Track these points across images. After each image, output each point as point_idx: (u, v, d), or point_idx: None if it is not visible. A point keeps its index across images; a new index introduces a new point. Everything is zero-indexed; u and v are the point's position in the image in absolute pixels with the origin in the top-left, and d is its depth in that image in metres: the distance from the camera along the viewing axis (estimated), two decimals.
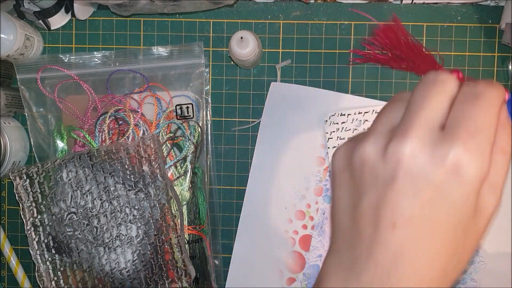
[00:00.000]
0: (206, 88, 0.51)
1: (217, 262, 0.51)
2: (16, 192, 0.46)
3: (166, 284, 0.45)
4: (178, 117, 0.49)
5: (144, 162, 0.45)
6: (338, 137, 0.48)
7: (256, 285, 0.50)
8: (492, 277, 0.48)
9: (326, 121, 0.48)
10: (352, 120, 0.48)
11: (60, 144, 0.49)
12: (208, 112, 0.51)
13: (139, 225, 0.45)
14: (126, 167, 0.45)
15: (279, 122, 0.50)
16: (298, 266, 0.50)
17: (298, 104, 0.49)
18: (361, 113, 0.48)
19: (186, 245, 0.48)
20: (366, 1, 0.50)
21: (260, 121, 0.50)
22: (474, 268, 0.49)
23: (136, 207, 0.45)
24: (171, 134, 0.49)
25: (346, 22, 0.51)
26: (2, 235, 0.53)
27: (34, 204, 0.45)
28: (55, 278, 0.45)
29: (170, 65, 0.50)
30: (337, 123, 0.48)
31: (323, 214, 0.49)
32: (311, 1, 0.51)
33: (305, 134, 0.49)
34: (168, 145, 0.49)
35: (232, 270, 0.50)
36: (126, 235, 0.45)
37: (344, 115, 0.48)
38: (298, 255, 0.50)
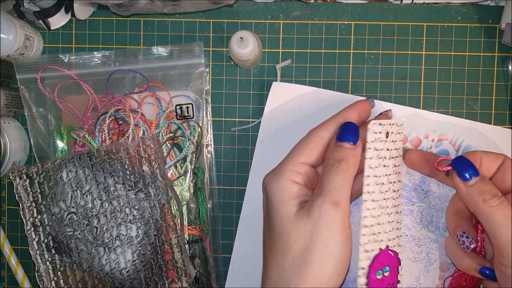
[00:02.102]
0: (206, 88, 0.51)
1: (217, 262, 0.51)
2: (16, 192, 0.46)
3: (166, 284, 0.45)
4: (178, 117, 0.49)
5: (144, 162, 0.45)
6: (374, 147, 0.42)
7: (256, 285, 0.50)
8: None
9: (369, 129, 0.41)
10: (384, 131, 0.41)
11: (60, 144, 0.49)
12: (208, 112, 0.51)
13: (139, 225, 0.45)
14: (126, 167, 0.45)
15: (280, 121, 0.50)
16: None
17: (299, 104, 0.49)
18: (392, 124, 0.42)
19: (186, 245, 0.48)
20: (366, 1, 0.50)
21: (260, 121, 0.50)
22: None
23: (136, 207, 0.45)
24: (171, 134, 0.49)
25: (346, 22, 0.51)
26: (2, 235, 0.53)
27: (34, 204, 0.45)
28: (55, 278, 0.45)
29: (170, 65, 0.50)
30: (376, 133, 0.41)
31: None
32: (311, 1, 0.51)
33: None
34: (168, 145, 0.49)
35: (232, 270, 0.50)
36: (126, 235, 0.45)
37: (381, 125, 0.41)
38: None
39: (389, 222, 0.44)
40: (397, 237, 0.45)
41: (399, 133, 0.44)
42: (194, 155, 0.49)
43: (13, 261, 0.52)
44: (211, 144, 0.51)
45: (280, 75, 0.51)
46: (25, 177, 0.45)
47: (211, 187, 0.51)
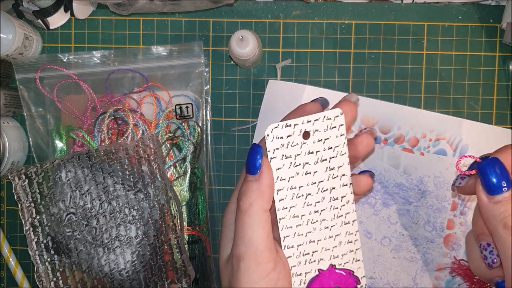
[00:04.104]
0: (206, 87, 0.51)
1: (217, 262, 0.51)
2: (15, 192, 0.45)
3: (166, 285, 0.45)
4: (178, 117, 0.49)
5: (144, 162, 0.45)
6: (283, 155, 0.36)
7: None
8: None
9: (268, 135, 0.36)
10: (300, 132, 0.36)
11: (59, 144, 0.49)
12: (208, 112, 0.51)
13: (139, 225, 0.45)
14: (125, 167, 0.45)
15: (276, 120, 0.49)
16: None
17: (296, 103, 0.49)
18: (310, 121, 0.36)
19: (186, 246, 0.48)
20: (367, 1, 0.50)
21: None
22: None
23: (135, 208, 0.45)
24: (171, 134, 0.49)
25: (346, 22, 0.50)
26: (1, 235, 0.52)
27: (33, 205, 0.45)
28: (54, 279, 0.45)
29: (170, 64, 0.50)
30: (282, 137, 0.36)
31: None
32: (311, 0, 0.50)
33: None
34: (168, 145, 0.49)
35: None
36: (125, 235, 0.45)
37: (290, 126, 0.36)
38: None
39: (330, 237, 0.38)
40: (351, 251, 0.39)
41: (333, 128, 0.37)
42: (194, 155, 0.49)
43: (12, 261, 0.52)
44: (211, 144, 0.51)
45: (280, 75, 0.50)
46: (24, 177, 0.45)
47: (211, 187, 0.51)
